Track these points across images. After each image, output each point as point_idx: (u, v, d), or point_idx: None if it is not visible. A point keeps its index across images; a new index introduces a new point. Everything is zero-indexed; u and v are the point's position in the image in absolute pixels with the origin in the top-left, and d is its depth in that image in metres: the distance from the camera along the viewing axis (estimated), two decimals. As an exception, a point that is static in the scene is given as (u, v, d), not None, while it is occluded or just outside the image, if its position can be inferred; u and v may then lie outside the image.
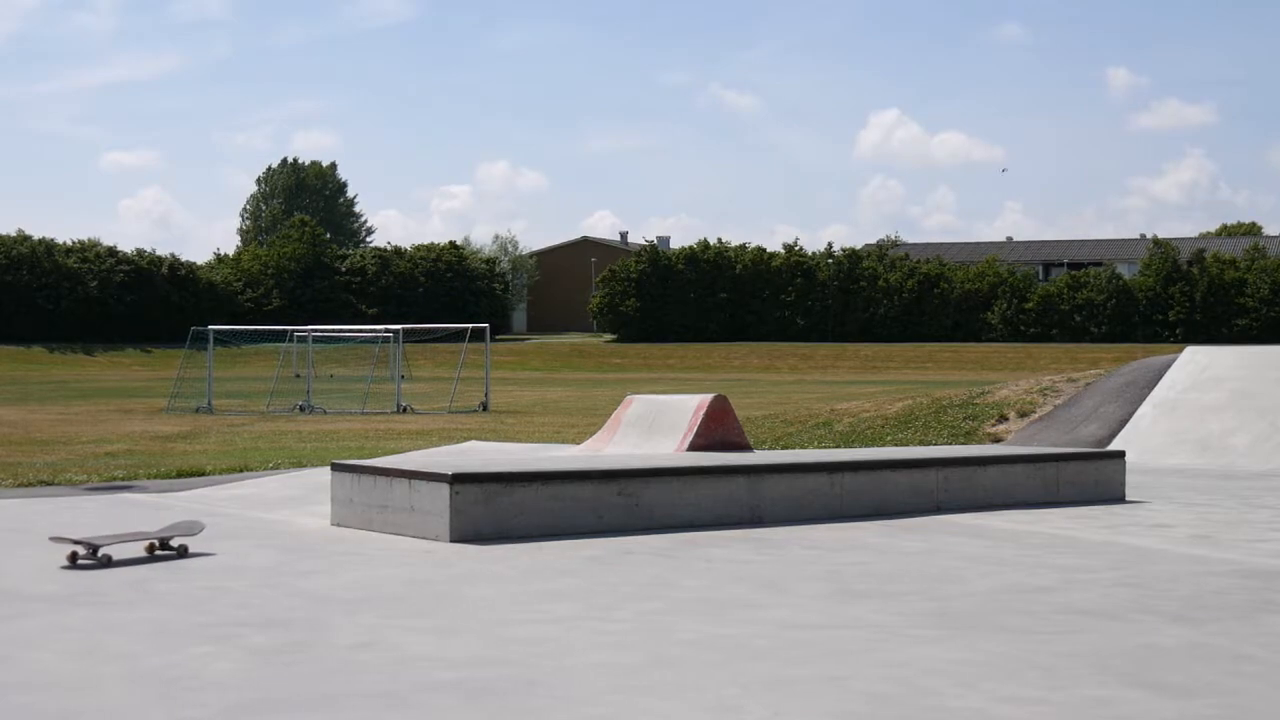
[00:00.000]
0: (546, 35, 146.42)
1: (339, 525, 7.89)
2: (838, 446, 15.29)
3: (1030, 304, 77.21)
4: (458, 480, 7.26)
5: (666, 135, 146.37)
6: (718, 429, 9.89)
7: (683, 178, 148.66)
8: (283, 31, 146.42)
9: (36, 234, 78.66)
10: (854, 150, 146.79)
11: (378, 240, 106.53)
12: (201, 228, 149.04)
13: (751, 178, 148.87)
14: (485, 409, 30.35)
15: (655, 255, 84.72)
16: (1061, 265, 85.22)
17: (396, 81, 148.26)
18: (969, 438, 15.43)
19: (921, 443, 15.16)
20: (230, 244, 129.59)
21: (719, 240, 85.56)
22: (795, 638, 4.82)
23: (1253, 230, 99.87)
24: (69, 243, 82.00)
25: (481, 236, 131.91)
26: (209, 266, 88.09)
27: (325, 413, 29.45)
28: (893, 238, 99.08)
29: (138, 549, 6.79)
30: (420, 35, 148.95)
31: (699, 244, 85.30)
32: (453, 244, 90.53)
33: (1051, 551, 7.12)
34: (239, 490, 9.95)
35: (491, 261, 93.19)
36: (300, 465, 12.75)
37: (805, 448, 15.16)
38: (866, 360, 68.91)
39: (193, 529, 7.09)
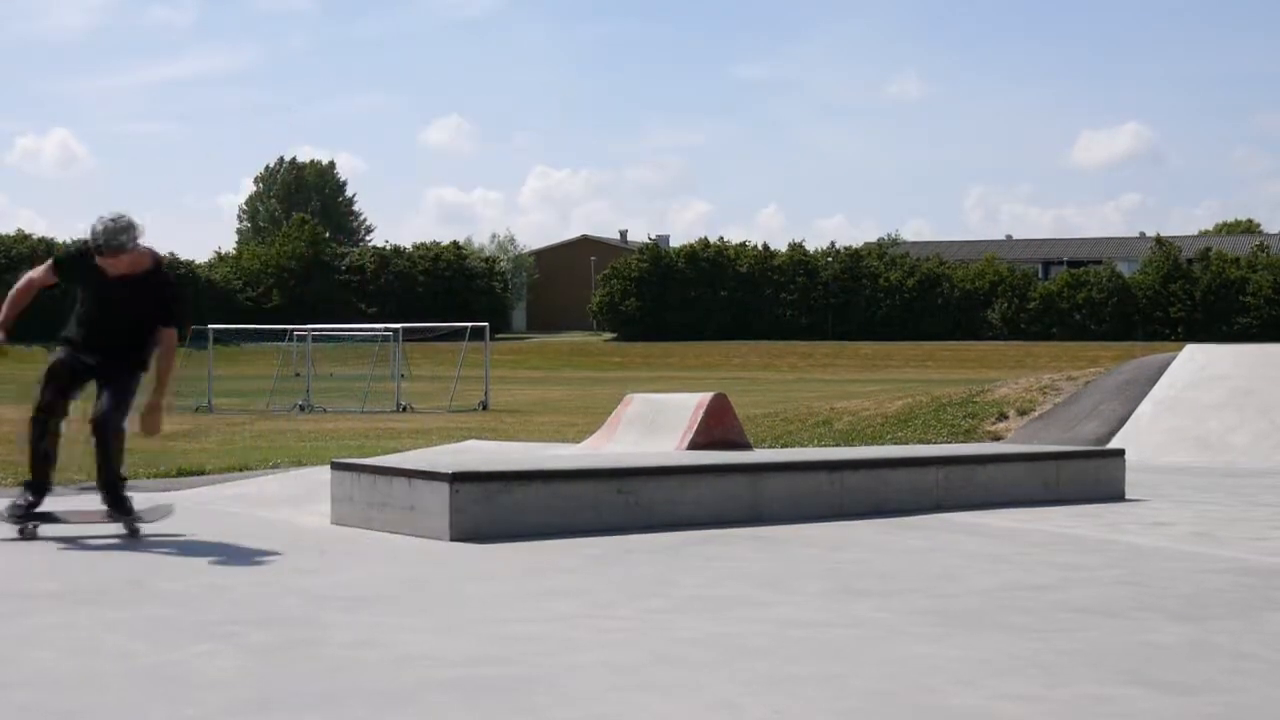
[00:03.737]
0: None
1: (339, 524, 7.89)
2: (838, 445, 15.30)
3: (1030, 302, 77.16)
4: (458, 479, 7.26)
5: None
6: (718, 427, 9.89)
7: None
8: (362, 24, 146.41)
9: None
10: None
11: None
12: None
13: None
14: (485, 408, 30.35)
15: (656, 253, 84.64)
16: (1061, 263, 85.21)
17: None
18: (969, 436, 15.44)
19: (921, 441, 15.16)
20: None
21: (720, 239, 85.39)
22: (795, 635, 4.82)
23: (1251, 228, 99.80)
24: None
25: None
26: (209, 265, 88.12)
27: (325, 411, 29.46)
28: (893, 236, 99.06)
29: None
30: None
31: (699, 242, 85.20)
32: (454, 243, 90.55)
33: (1051, 549, 7.12)
34: (239, 489, 9.94)
35: (491, 260, 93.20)
36: (300, 464, 12.73)
37: (805, 446, 15.16)
38: (867, 359, 68.94)
39: (157, 514, 7.31)
